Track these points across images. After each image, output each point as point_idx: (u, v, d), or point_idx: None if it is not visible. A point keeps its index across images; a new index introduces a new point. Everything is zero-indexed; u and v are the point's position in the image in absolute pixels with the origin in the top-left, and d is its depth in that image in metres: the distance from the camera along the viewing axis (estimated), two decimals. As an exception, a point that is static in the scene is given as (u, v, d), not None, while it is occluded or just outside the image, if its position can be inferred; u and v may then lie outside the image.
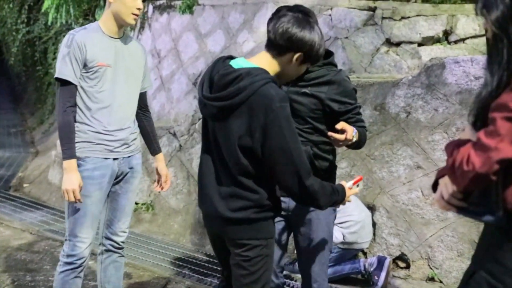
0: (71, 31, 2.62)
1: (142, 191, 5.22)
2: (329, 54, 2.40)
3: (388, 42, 4.70)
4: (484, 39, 4.32)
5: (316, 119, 2.33)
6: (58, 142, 2.75)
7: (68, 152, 2.54)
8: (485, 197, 1.39)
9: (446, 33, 4.51)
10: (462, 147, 1.39)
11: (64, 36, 7.61)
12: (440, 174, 1.54)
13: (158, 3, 6.54)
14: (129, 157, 2.74)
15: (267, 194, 2.04)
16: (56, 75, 2.57)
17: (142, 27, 6.74)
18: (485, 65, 1.41)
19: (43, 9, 6.26)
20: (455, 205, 1.44)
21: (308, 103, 2.33)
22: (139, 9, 2.61)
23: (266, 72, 1.95)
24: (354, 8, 4.83)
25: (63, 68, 2.54)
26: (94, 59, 2.57)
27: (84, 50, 2.55)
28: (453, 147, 1.44)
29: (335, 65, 2.42)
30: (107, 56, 2.62)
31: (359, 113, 2.39)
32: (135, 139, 2.79)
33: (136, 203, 5.28)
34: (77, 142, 2.57)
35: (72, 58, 2.53)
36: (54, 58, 7.86)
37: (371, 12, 4.77)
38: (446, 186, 1.45)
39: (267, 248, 2.09)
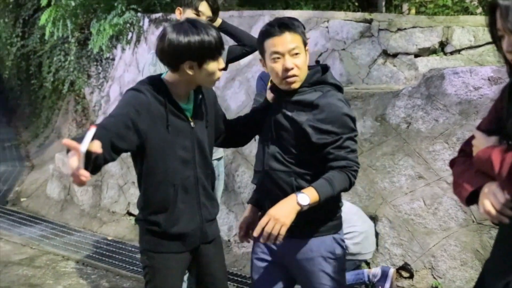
0: (153, 51, 2.54)
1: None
2: (324, 71, 2.05)
3: (385, 54, 4.76)
4: (480, 49, 4.44)
5: (297, 147, 1.98)
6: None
7: None
8: None
9: (442, 44, 4.57)
10: None
11: (59, 49, 7.68)
12: (475, 186, 1.45)
13: (154, 16, 6.58)
14: None
15: (143, 198, 1.94)
16: None
17: (138, 41, 6.76)
18: None
19: (40, 23, 6.26)
20: (508, 215, 1.37)
21: (290, 129, 1.98)
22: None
23: (147, 82, 1.93)
24: (351, 20, 4.89)
25: None
26: None
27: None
28: (498, 155, 1.38)
29: (331, 84, 2.03)
30: None
31: (345, 147, 1.91)
32: None
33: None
34: None
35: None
36: (49, 72, 7.83)
37: (368, 24, 4.83)
38: (496, 196, 1.37)
39: (149, 260, 1.99)
